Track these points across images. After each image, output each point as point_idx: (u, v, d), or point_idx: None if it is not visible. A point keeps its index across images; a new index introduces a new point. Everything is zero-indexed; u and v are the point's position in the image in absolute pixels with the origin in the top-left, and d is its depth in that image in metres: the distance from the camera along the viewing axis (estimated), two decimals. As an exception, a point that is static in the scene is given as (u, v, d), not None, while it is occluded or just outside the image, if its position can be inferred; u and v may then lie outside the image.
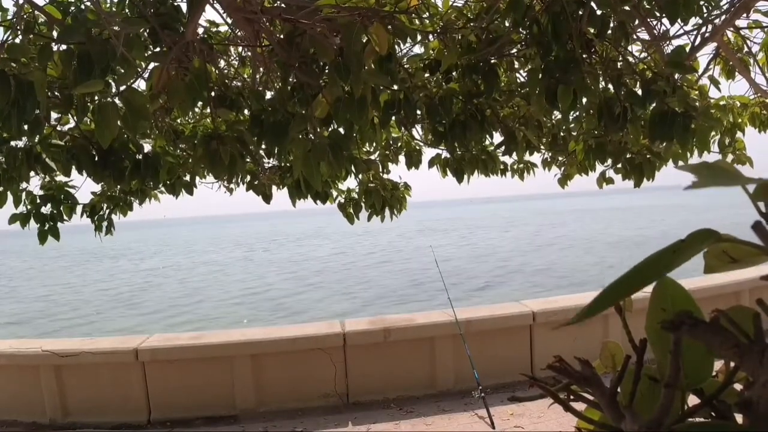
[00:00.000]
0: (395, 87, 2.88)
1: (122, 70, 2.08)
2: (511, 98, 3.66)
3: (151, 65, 2.48)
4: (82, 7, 2.26)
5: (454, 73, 3.15)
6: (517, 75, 3.53)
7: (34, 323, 18.06)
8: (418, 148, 4.58)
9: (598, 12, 2.47)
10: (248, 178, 4.29)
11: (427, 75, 3.23)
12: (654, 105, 2.77)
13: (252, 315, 17.20)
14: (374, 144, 4.13)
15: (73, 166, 2.98)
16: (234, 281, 25.59)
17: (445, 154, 4.33)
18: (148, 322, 16.57)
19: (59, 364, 5.54)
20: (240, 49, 3.64)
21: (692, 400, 0.55)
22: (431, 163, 4.46)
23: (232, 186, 4.82)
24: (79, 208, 3.92)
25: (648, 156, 3.79)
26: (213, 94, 2.97)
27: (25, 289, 26.76)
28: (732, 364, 0.52)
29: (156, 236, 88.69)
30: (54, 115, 2.85)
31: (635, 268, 0.41)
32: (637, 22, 2.76)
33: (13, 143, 2.96)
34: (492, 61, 2.95)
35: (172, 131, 3.51)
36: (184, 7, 2.32)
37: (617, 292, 0.41)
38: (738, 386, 0.55)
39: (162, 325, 16.10)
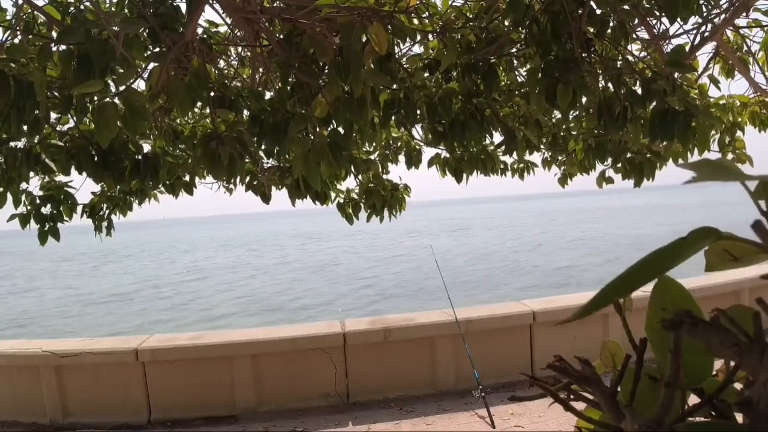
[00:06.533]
0: (395, 86, 2.88)
1: (122, 70, 2.08)
2: (511, 98, 3.66)
3: (151, 65, 2.48)
4: (82, 7, 2.26)
5: (453, 73, 3.14)
6: (517, 74, 3.53)
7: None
8: (417, 147, 4.58)
9: (598, 11, 2.47)
10: (248, 178, 4.28)
11: (426, 74, 3.23)
12: (654, 104, 2.77)
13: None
14: (374, 144, 4.13)
15: (73, 167, 2.98)
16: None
17: (444, 154, 4.33)
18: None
19: (59, 364, 5.54)
20: (239, 49, 3.64)
21: (692, 399, 0.55)
22: (431, 163, 4.46)
23: (231, 186, 4.81)
24: (78, 209, 3.91)
25: (648, 155, 3.80)
26: (212, 94, 2.97)
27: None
28: (732, 363, 0.52)
29: (168, 236, 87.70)
30: (54, 115, 2.85)
31: (635, 266, 0.41)
32: (636, 21, 2.76)
33: (12, 144, 2.96)
34: (491, 61, 2.95)
35: (171, 131, 3.50)
36: (183, 7, 2.32)
37: (617, 290, 0.41)
38: (738, 385, 0.55)
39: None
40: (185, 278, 28.46)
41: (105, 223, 4.27)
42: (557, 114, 3.77)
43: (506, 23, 2.85)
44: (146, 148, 3.33)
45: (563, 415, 4.61)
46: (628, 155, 3.84)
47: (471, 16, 2.93)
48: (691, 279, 6.36)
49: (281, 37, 2.51)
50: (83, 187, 3.66)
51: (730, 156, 4.44)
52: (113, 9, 2.54)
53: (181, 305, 19.99)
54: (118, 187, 3.97)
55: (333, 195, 4.45)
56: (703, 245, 0.42)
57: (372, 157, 4.51)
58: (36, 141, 2.90)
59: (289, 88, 2.62)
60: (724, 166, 0.42)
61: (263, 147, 2.85)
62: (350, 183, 4.57)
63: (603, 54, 2.93)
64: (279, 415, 5.58)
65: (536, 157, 4.83)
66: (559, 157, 4.84)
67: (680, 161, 3.69)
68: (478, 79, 2.96)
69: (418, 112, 3.16)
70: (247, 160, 3.23)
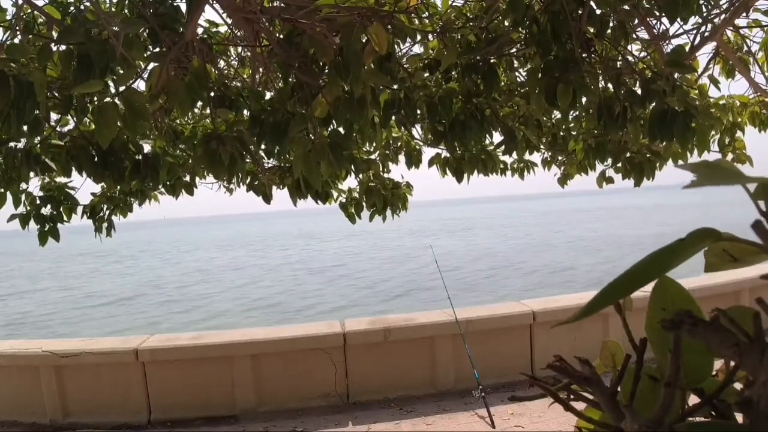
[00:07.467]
0: (395, 86, 2.88)
1: (122, 71, 2.08)
2: (511, 98, 3.66)
3: (151, 65, 2.48)
4: (82, 7, 2.26)
5: (453, 73, 3.14)
6: (517, 74, 3.53)
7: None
8: (417, 147, 4.58)
9: (598, 11, 2.47)
10: (248, 178, 4.28)
11: (426, 74, 3.23)
12: (654, 104, 2.77)
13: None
14: (374, 144, 4.14)
15: (73, 167, 2.98)
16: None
17: (444, 154, 4.33)
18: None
19: (59, 364, 5.54)
20: (239, 49, 3.64)
21: (692, 399, 0.55)
22: (431, 163, 4.46)
23: (231, 186, 4.82)
24: (79, 209, 3.91)
25: (648, 155, 3.80)
26: (212, 94, 2.97)
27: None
28: (732, 363, 0.52)
29: (169, 237, 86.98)
30: (54, 115, 2.85)
31: (634, 268, 0.41)
32: (636, 21, 2.76)
33: (12, 144, 2.96)
34: (491, 61, 2.95)
35: (171, 131, 3.50)
36: (183, 7, 2.32)
37: (616, 292, 0.41)
38: (738, 385, 0.55)
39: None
40: (191, 280, 28.30)
41: (105, 224, 4.27)
42: (557, 114, 3.77)
43: (506, 23, 2.85)
44: (146, 148, 3.33)
45: (563, 415, 4.61)
46: (628, 155, 3.84)
47: (471, 16, 2.93)
48: (691, 279, 6.36)
49: (281, 37, 2.51)
50: (83, 187, 3.66)
51: (730, 156, 4.44)
52: (113, 9, 2.54)
53: (191, 309, 19.73)
54: (118, 187, 3.97)
55: (335, 194, 4.45)
56: (703, 246, 0.42)
57: (372, 156, 4.52)
58: (36, 141, 2.90)
59: (289, 88, 2.62)
60: (723, 168, 0.42)
61: (263, 147, 2.85)
62: (352, 182, 4.58)
63: (603, 54, 2.93)
64: (279, 415, 5.58)
65: (536, 157, 4.84)
66: (559, 157, 4.84)
67: (680, 162, 3.69)
68: (478, 79, 2.96)
69: (418, 112, 3.17)
70: (247, 160, 3.23)
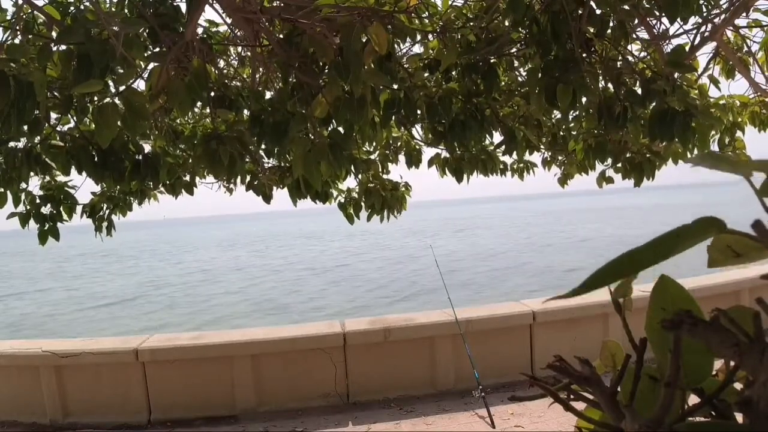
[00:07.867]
0: (395, 86, 2.88)
1: (122, 71, 2.08)
2: (511, 98, 3.66)
3: (151, 65, 2.48)
4: (82, 7, 2.26)
5: (453, 73, 3.14)
6: (517, 74, 3.53)
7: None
8: (417, 147, 4.58)
9: (598, 11, 2.47)
10: (248, 178, 4.28)
11: (426, 74, 3.23)
12: (654, 104, 2.77)
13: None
14: (374, 144, 4.14)
15: (73, 167, 2.98)
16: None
17: (444, 154, 4.33)
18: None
19: (59, 364, 5.54)
20: (239, 49, 3.64)
21: (692, 399, 0.55)
22: (431, 163, 4.46)
23: (231, 186, 4.82)
24: (78, 209, 3.91)
25: (648, 155, 3.80)
26: (212, 94, 2.97)
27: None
28: (732, 363, 0.52)
29: (169, 236, 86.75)
30: (54, 115, 2.85)
31: (637, 249, 0.41)
32: (636, 21, 2.76)
33: (12, 144, 2.96)
34: (491, 61, 2.95)
35: (171, 131, 3.50)
36: (183, 7, 2.32)
37: (617, 271, 0.41)
38: (738, 385, 0.55)
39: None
40: (193, 280, 28.25)
41: (105, 223, 4.27)
42: (557, 114, 3.77)
43: (506, 23, 2.85)
44: (146, 148, 3.33)
45: (563, 415, 4.60)
46: (628, 155, 3.84)
47: (471, 16, 2.93)
48: (691, 279, 6.37)
49: (281, 37, 2.51)
50: (83, 186, 3.66)
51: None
52: (113, 9, 2.54)
53: (196, 312, 19.63)
54: (118, 187, 3.97)
55: (335, 194, 4.45)
56: (708, 235, 0.42)
57: (372, 156, 4.51)
58: (36, 141, 2.90)
59: (289, 88, 2.62)
60: (728, 158, 0.42)
61: (263, 147, 2.85)
62: (351, 182, 4.58)
63: (603, 54, 2.93)
64: (279, 415, 5.58)
65: (536, 157, 4.84)
66: (559, 157, 4.84)
67: (687, 157, 3.69)
68: (478, 79, 2.96)
69: (418, 111, 3.17)
70: (247, 160, 3.23)
